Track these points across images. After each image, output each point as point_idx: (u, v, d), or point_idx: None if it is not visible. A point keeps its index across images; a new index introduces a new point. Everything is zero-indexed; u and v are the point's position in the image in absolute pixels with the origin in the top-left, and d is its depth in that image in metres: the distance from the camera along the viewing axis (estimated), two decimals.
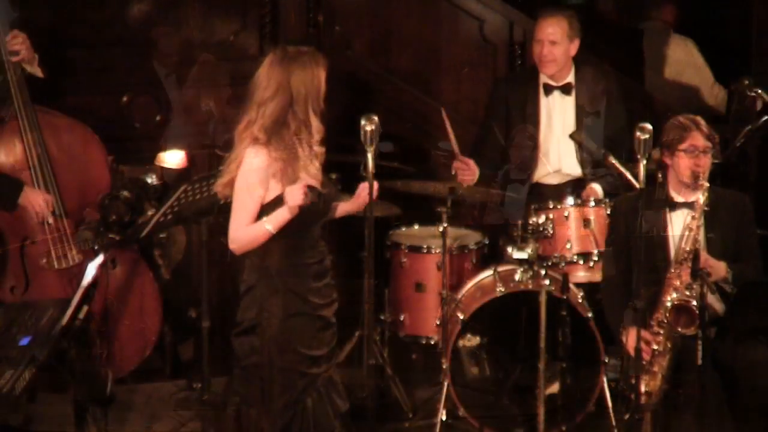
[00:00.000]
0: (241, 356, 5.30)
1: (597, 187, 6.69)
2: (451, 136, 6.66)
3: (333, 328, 5.38)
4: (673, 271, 5.82)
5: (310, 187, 5.17)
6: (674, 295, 5.78)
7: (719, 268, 5.82)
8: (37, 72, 6.58)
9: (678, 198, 5.99)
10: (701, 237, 5.87)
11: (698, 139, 5.89)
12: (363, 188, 5.37)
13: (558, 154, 6.89)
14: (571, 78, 6.85)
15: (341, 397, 5.39)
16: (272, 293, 5.23)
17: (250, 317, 5.26)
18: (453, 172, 6.74)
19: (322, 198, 5.24)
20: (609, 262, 6.16)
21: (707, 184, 5.83)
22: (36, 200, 6.47)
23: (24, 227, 6.55)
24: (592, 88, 6.85)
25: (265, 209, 5.17)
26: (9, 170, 6.54)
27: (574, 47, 6.80)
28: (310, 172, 5.24)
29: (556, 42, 6.73)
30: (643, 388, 5.80)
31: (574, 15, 6.83)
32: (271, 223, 5.14)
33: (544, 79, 6.86)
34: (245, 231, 5.17)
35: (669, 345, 5.82)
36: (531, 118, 6.87)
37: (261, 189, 5.14)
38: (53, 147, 6.58)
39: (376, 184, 5.36)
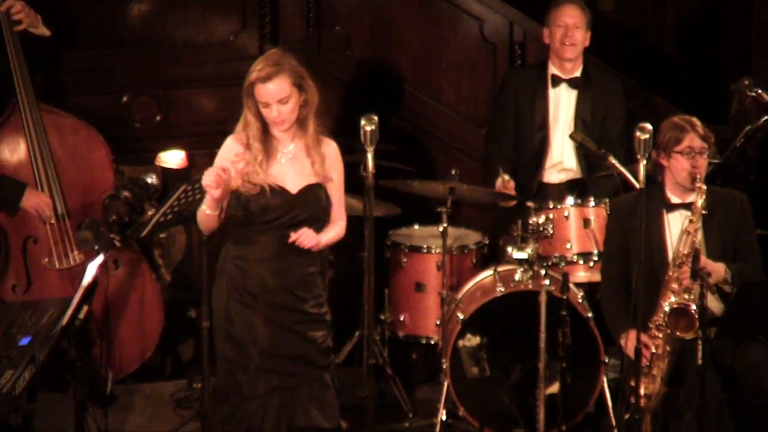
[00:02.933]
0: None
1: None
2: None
3: (303, 338, 5.36)
4: (671, 274, 5.81)
5: (268, 187, 5.27)
6: (673, 298, 5.77)
7: (718, 270, 5.79)
8: (45, 32, 6.60)
9: (674, 199, 5.98)
10: (700, 237, 5.86)
11: (694, 141, 5.87)
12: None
13: (561, 148, 6.92)
14: (579, 73, 6.94)
15: (307, 413, 5.36)
16: (221, 280, 5.40)
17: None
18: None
19: (288, 199, 5.29)
20: (607, 264, 6.16)
21: (705, 187, 5.82)
22: (38, 202, 6.47)
23: (26, 226, 6.56)
24: (596, 90, 6.89)
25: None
26: (12, 169, 6.54)
27: (587, 38, 6.94)
28: (270, 176, 5.31)
29: (578, 26, 6.88)
30: (642, 391, 5.79)
31: (586, 7, 6.99)
32: (204, 204, 5.27)
33: (552, 70, 6.93)
34: (198, 212, 5.34)
35: (668, 349, 5.81)
36: (540, 110, 6.91)
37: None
38: (57, 147, 6.59)
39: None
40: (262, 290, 5.33)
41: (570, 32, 6.86)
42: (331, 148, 5.42)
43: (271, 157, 5.32)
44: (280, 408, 5.33)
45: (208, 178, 5.14)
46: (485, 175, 7.02)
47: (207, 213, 5.25)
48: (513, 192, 6.77)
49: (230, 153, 5.30)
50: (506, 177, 6.80)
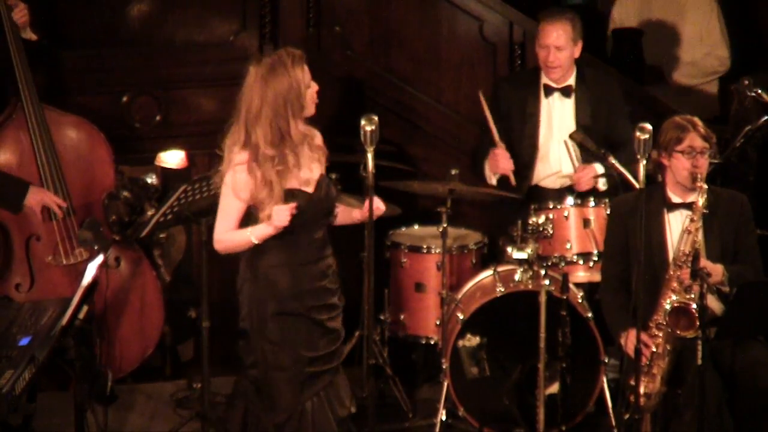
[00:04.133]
0: (243, 355, 5.34)
1: (597, 167, 6.64)
2: (491, 122, 6.66)
3: (332, 333, 5.36)
4: (671, 273, 5.82)
5: (295, 192, 5.21)
6: (673, 297, 5.77)
7: (716, 273, 5.79)
8: (32, 36, 6.63)
9: (675, 199, 5.99)
10: (700, 238, 5.86)
11: (696, 140, 5.88)
12: (375, 201, 5.34)
13: (558, 156, 6.88)
14: (572, 80, 6.84)
15: (342, 403, 5.39)
16: (262, 291, 5.26)
17: (243, 315, 5.32)
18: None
19: (313, 201, 5.25)
20: (607, 263, 6.16)
21: (706, 186, 5.82)
22: (43, 198, 6.48)
23: (29, 225, 6.57)
24: (593, 91, 6.85)
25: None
26: (16, 167, 6.56)
27: (578, 50, 6.80)
28: (300, 178, 5.26)
29: (561, 47, 6.71)
30: (642, 390, 5.80)
31: (576, 17, 6.81)
32: (254, 235, 5.22)
33: (544, 80, 6.85)
34: (229, 235, 5.26)
35: (668, 348, 5.81)
36: (531, 118, 6.87)
37: (247, 194, 5.21)
38: (60, 144, 6.61)
39: (380, 203, 5.37)
40: (303, 292, 5.28)
41: (552, 56, 6.71)
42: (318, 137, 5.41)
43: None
44: (315, 407, 5.32)
45: (286, 218, 5.14)
46: (475, 163, 7.00)
47: (254, 242, 5.22)
48: (511, 167, 6.72)
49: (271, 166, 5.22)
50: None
